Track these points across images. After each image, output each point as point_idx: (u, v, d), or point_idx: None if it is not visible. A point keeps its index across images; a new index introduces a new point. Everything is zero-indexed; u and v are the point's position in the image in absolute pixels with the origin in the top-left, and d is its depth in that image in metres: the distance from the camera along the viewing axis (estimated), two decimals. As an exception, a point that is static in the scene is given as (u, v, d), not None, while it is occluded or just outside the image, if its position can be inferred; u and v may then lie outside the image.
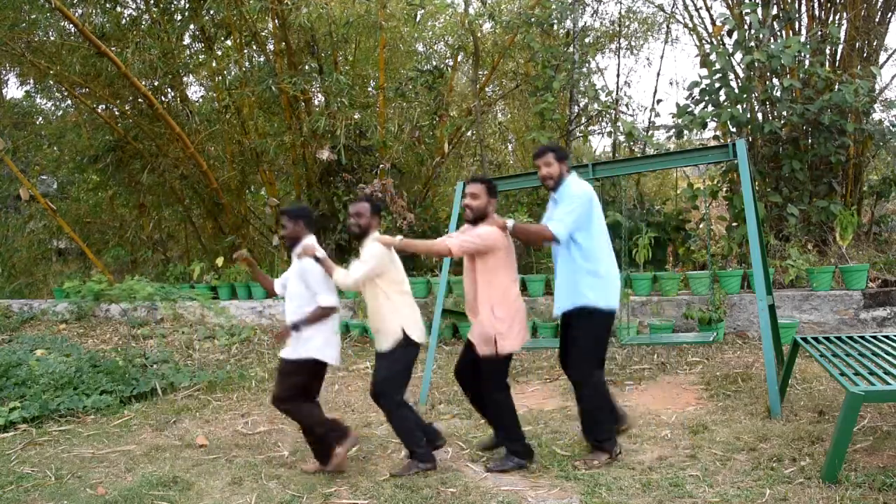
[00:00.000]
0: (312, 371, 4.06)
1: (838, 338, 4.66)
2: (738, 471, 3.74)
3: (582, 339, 3.98)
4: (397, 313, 4.02)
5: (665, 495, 3.49)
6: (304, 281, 4.01)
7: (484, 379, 4.05)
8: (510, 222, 3.99)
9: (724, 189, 8.42)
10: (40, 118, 14.85)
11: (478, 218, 4.00)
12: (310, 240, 4.12)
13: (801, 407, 4.77)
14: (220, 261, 9.88)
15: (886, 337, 4.59)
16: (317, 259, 4.01)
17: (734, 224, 7.95)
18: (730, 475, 3.69)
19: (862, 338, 4.61)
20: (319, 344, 4.00)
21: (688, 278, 7.40)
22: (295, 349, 4.00)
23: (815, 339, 4.70)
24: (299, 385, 4.04)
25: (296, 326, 3.98)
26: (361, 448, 4.58)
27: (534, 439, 4.51)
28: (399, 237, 4.04)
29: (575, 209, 3.90)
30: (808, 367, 5.69)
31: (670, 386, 5.70)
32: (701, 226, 8.49)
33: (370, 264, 3.95)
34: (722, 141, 8.19)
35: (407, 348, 4.02)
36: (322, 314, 3.97)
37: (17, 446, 4.98)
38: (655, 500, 3.44)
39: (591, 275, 3.93)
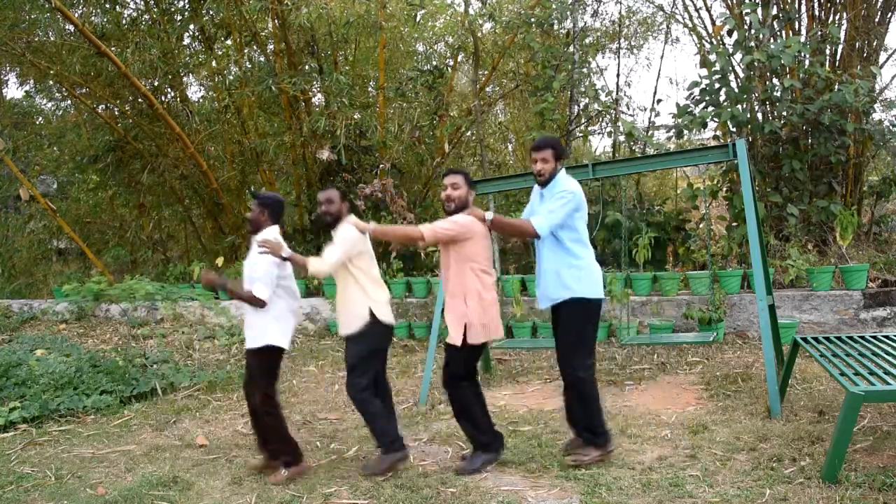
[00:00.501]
0: (274, 356, 4.07)
1: (838, 338, 4.66)
2: (738, 471, 3.74)
3: (569, 331, 3.99)
4: (366, 296, 4.03)
5: (665, 495, 3.49)
6: (251, 272, 4.01)
7: (444, 367, 4.04)
8: (489, 214, 3.98)
9: (724, 189, 8.42)
10: (40, 118, 14.87)
11: (459, 209, 4.01)
12: (271, 231, 4.08)
13: (801, 407, 4.77)
14: (220, 261, 9.88)
15: (886, 337, 4.59)
16: (284, 259, 3.98)
17: (734, 224, 7.96)
18: (730, 475, 3.69)
19: (862, 338, 4.61)
20: (275, 331, 4.00)
21: (688, 278, 7.40)
22: (253, 339, 4.00)
23: (815, 339, 4.70)
24: (271, 372, 4.08)
25: (224, 286, 3.98)
26: (361, 448, 4.59)
27: (534, 439, 4.51)
28: (372, 223, 4.04)
29: (562, 208, 3.92)
30: (808, 367, 5.69)
31: (670, 386, 5.70)
32: (701, 226, 8.50)
33: (344, 247, 3.96)
34: (722, 141, 8.19)
35: (375, 329, 4.02)
36: (250, 300, 3.93)
37: (17, 446, 4.98)
38: (655, 500, 3.45)
39: (574, 268, 3.95)
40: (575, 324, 3.98)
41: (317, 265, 3.96)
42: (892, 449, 3.85)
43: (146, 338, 8.57)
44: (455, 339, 3.93)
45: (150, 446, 4.86)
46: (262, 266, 3.95)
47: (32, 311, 10.36)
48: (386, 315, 4.10)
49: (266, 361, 4.06)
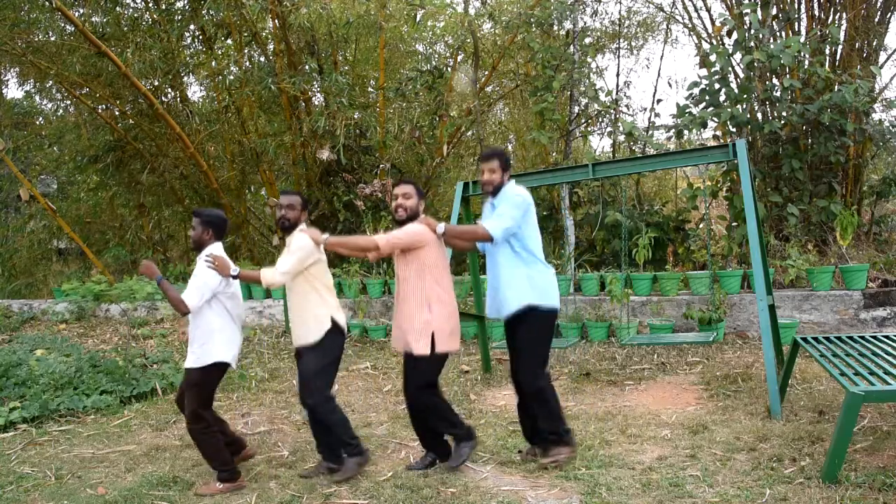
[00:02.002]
0: (217, 375, 3.99)
1: (838, 338, 4.66)
2: (738, 471, 3.74)
3: (526, 341, 4.00)
4: (325, 303, 4.01)
5: (665, 495, 3.49)
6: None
7: (411, 379, 3.97)
8: (441, 226, 3.98)
9: (724, 189, 8.43)
10: (40, 118, 14.88)
11: (410, 218, 4.02)
12: (215, 248, 4.01)
13: (801, 407, 4.77)
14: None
15: (886, 337, 4.60)
16: (234, 277, 3.92)
17: (734, 224, 7.96)
18: (730, 475, 3.69)
19: (862, 338, 4.61)
20: (220, 346, 3.93)
21: (688, 278, 7.41)
22: (198, 358, 3.91)
23: (815, 339, 4.70)
24: (209, 393, 3.98)
25: (157, 280, 3.89)
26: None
27: (534, 439, 4.52)
28: (326, 235, 4.00)
29: (512, 212, 3.95)
30: (808, 367, 5.69)
31: (670, 386, 5.70)
32: (701, 226, 8.50)
33: (298, 255, 3.91)
34: (722, 141, 8.19)
35: (335, 337, 4.01)
36: (176, 302, 3.80)
37: (17, 446, 4.99)
38: (655, 500, 3.45)
39: (530, 277, 3.98)
40: (532, 334, 3.99)
41: (270, 276, 3.91)
42: (892, 449, 3.85)
43: (146, 338, 8.57)
44: (423, 348, 3.87)
45: (150, 446, 4.85)
46: (200, 276, 3.87)
47: (32, 311, 10.36)
48: (343, 321, 4.09)
49: (208, 379, 3.94)
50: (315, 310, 3.99)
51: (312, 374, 3.96)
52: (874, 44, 8.94)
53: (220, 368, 3.97)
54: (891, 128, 8.20)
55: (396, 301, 4.07)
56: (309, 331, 4.00)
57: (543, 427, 4.07)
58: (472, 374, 6.49)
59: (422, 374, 3.93)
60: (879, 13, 8.85)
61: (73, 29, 10.05)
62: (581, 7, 9.98)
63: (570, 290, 7.80)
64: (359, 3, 9.37)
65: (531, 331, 3.99)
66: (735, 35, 7.87)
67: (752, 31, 7.80)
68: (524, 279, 3.98)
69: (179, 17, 11.03)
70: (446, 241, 4.10)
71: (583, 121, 10.53)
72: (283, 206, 4.07)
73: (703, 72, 8.29)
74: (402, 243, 3.92)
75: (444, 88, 10.42)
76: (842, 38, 8.59)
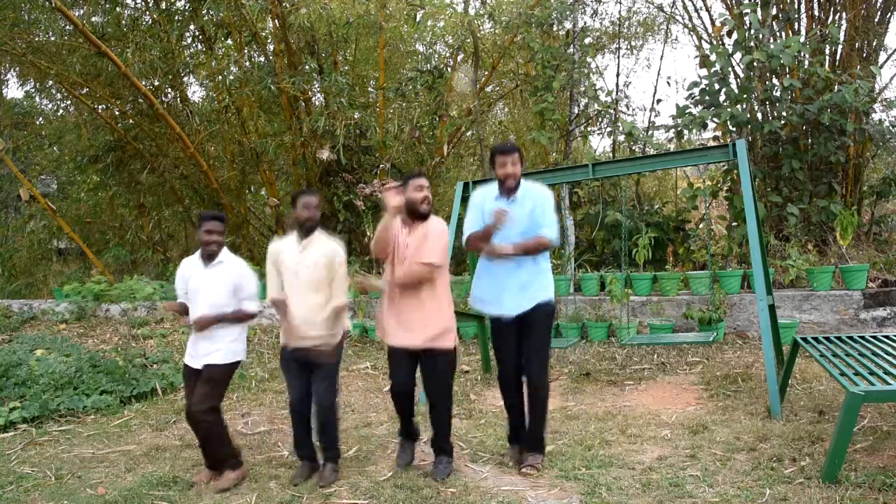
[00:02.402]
0: (235, 370, 4.17)
1: (838, 338, 4.66)
2: (738, 471, 3.74)
3: (542, 339, 4.01)
4: (341, 321, 4.13)
5: (665, 495, 3.49)
6: (235, 288, 4.03)
7: (439, 375, 3.97)
8: (509, 247, 3.89)
9: (724, 189, 8.43)
10: (40, 118, 14.87)
11: (430, 211, 4.02)
12: (226, 248, 4.15)
13: (801, 407, 4.77)
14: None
15: (886, 337, 4.60)
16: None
17: (734, 224, 7.96)
18: (730, 475, 3.69)
19: (862, 338, 4.61)
20: (243, 345, 4.17)
21: (688, 278, 7.41)
22: (225, 355, 4.01)
23: (815, 339, 4.70)
24: (227, 388, 4.16)
25: (221, 319, 3.97)
26: (361, 448, 4.59)
27: (534, 439, 4.51)
28: (382, 282, 4.08)
29: (554, 214, 4.03)
30: (808, 367, 5.69)
31: (670, 386, 5.70)
32: (701, 226, 8.50)
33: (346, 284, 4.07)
34: (722, 141, 8.19)
35: (343, 340, 4.18)
36: (246, 318, 4.10)
37: (17, 446, 4.98)
38: (655, 500, 3.45)
39: (544, 272, 4.06)
40: (544, 330, 4.02)
41: (343, 316, 4.07)
42: (892, 449, 3.85)
43: (146, 338, 8.56)
44: (451, 342, 3.95)
45: (150, 446, 4.85)
46: (252, 281, 4.08)
47: (32, 311, 10.34)
48: (348, 325, 4.27)
49: (229, 375, 4.11)
50: (337, 318, 4.07)
51: (330, 373, 4.03)
52: (874, 44, 8.95)
53: (238, 364, 4.15)
54: (891, 128, 8.20)
55: (407, 298, 3.96)
56: (329, 334, 4.04)
57: (534, 427, 4.03)
58: (472, 374, 6.49)
59: (449, 367, 4.00)
60: (879, 13, 8.86)
61: (73, 29, 10.04)
62: (581, 7, 9.98)
63: (570, 290, 7.80)
64: (359, 3, 9.37)
65: (546, 326, 4.03)
66: (735, 35, 7.87)
67: (752, 31, 7.80)
68: (546, 274, 4.06)
69: (179, 17, 11.03)
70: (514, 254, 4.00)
71: (583, 121, 10.53)
72: (307, 205, 4.03)
73: (703, 72, 8.30)
74: (446, 254, 3.99)
75: (444, 88, 10.41)
76: (842, 38, 8.59)
